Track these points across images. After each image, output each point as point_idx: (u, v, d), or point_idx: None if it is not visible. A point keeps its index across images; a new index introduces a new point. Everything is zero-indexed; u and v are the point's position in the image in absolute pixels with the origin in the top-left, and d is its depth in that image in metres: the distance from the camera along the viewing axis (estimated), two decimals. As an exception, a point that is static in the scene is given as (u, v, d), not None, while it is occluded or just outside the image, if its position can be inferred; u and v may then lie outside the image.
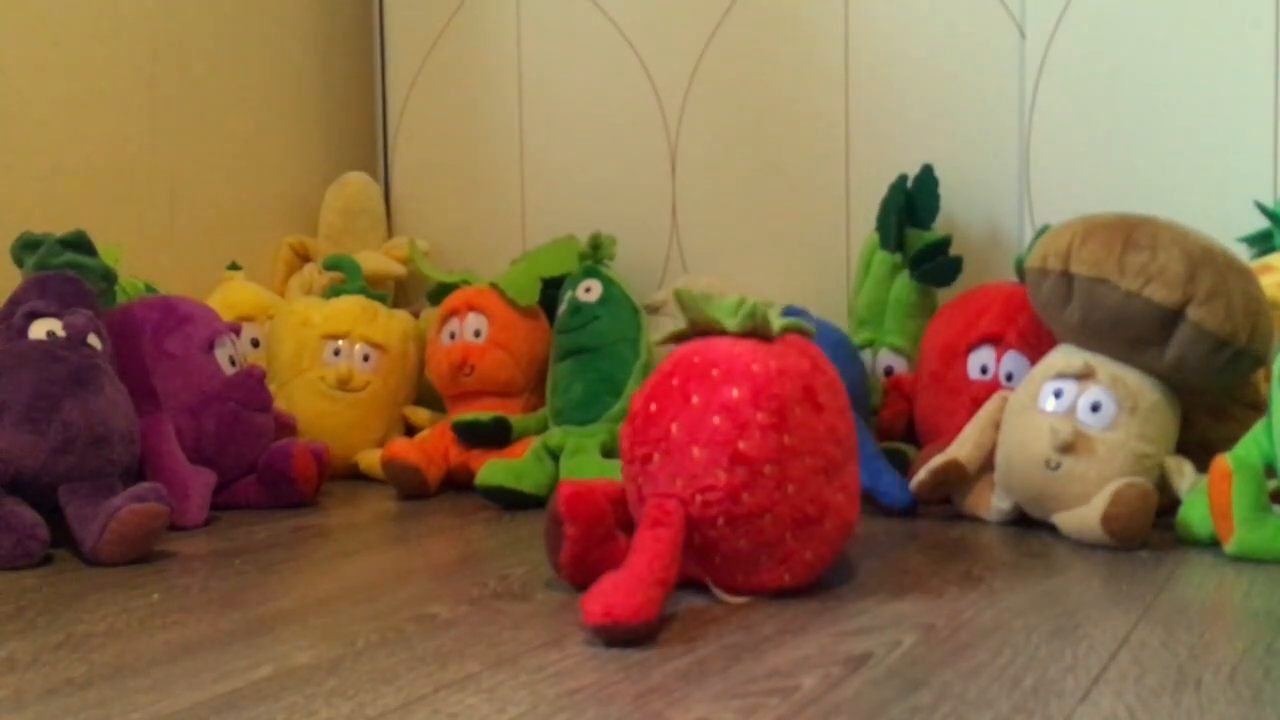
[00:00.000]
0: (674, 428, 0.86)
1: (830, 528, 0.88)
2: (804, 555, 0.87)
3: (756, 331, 0.89)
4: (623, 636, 0.76)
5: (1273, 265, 1.17)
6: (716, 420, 0.84)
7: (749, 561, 0.86)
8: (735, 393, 0.85)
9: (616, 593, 0.77)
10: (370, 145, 1.82)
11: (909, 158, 1.41)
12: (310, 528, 1.18)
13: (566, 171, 1.66)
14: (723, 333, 0.90)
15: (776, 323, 0.90)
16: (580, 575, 0.86)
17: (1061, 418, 1.07)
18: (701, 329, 0.91)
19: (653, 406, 0.88)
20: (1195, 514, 1.02)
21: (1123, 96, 1.34)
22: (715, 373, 0.86)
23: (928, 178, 1.37)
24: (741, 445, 0.84)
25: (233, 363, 1.28)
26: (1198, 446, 1.09)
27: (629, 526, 0.89)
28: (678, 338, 0.93)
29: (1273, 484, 1.00)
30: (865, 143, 1.48)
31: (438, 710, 0.65)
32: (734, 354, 0.87)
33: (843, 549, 0.92)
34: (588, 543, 0.86)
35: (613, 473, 1.20)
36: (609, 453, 1.26)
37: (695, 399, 0.86)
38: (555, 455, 1.27)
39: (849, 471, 0.90)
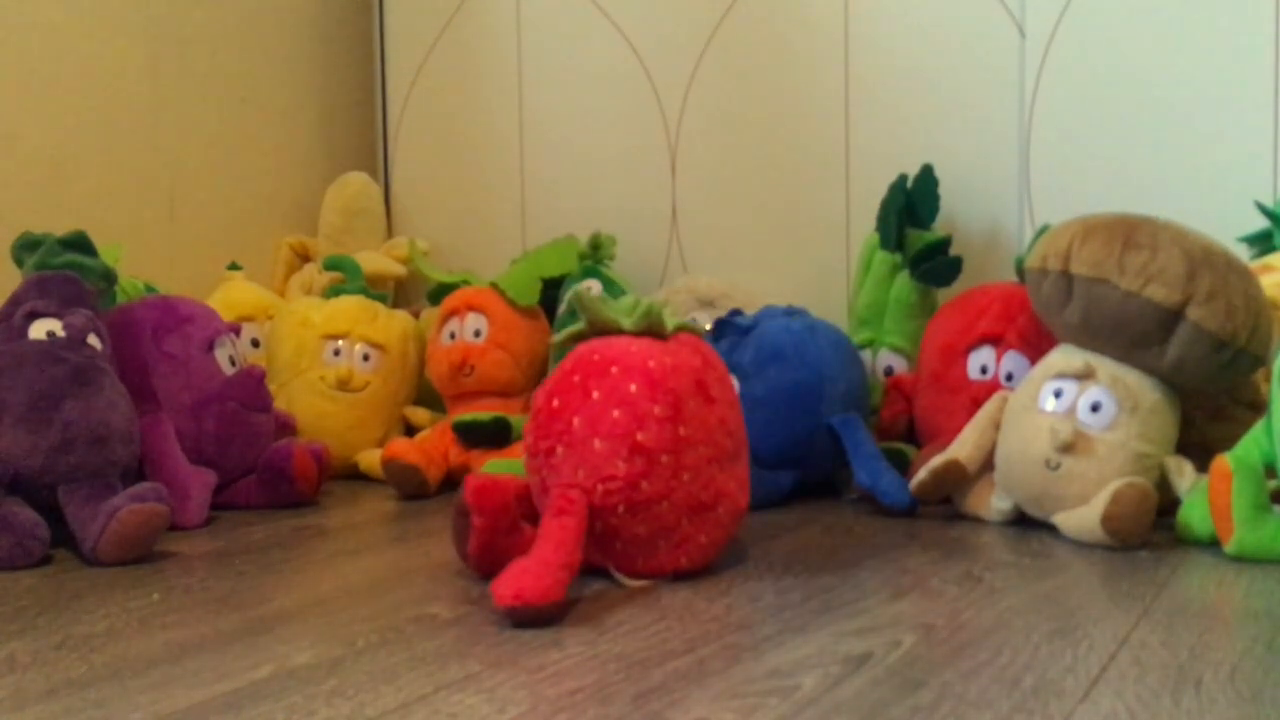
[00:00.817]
0: (576, 422, 0.90)
1: (723, 513, 0.94)
2: (699, 539, 0.93)
3: (651, 330, 0.96)
4: (531, 617, 0.81)
5: (1273, 265, 1.17)
6: (616, 414, 0.90)
7: (648, 546, 0.91)
8: (633, 388, 0.90)
9: (525, 577, 0.81)
10: (370, 145, 1.82)
11: (909, 158, 1.40)
12: (310, 528, 1.18)
13: (566, 171, 1.66)
14: (620, 332, 0.96)
15: (670, 322, 0.96)
16: (487, 565, 0.90)
17: (1061, 418, 1.07)
18: (600, 329, 0.96)
19: (555, 402, 0.92)
20: (1195, 514, 1.02)
21: (1123, 96, 1.34)
22: (614, 370, 0.91)
23: (928, 178, 1.37)
24: (640, 437, 0.89)
25: (233, 363, 1.28)
26: (1198, 446, 1.09)
27: (534, 518, 0.93)
28: (577, 337, 0.98)
29: (1273, 484, 1.00)
30: (865, 143, 1.48)
31: (438, 710, 0.65)
32: (631, 352, 0.92)
33: (735, 533, 0.98)
34: (494, 533, 0.90)
35: None
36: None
37: (596, 394, 0.91)
38: (555, 455, 1.27)
39: (740, 462, 0.97)
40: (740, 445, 0.97)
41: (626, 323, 0.96)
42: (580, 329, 0.98)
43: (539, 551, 0.84)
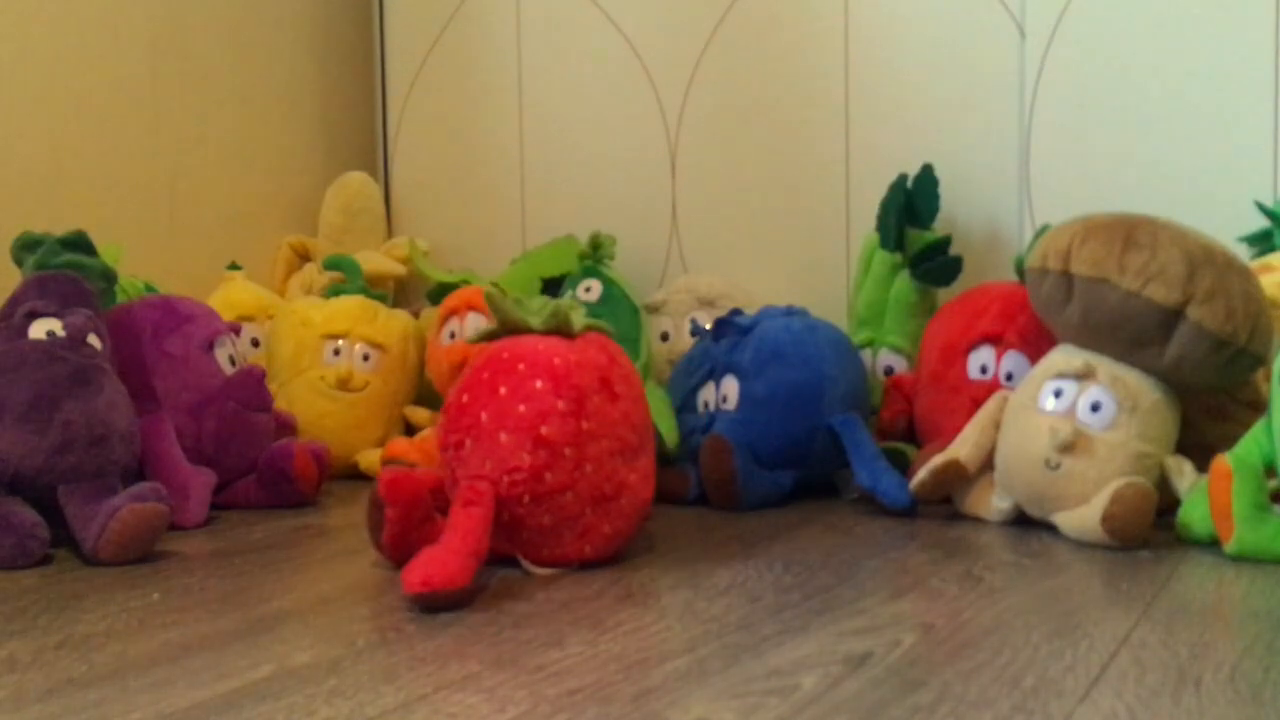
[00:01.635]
0: (484, 416, 0.95)
1: (626, 505, 0.98)
2: (603, 529, 0.97)
3: (560, 330, 1.00)
4: (439, 603, 0.85)
5: (1273, 265, 1.17)
6: (522, 408, 0.94)
7: (553, 535, 0.95)
8: (539, 384, 0.95)
9: (433, 564, 0.85)
10: (370, 145, 1.82)
11: (909, 157, 1.40)
12: (310, 528, 1.18)
13: (566, 171, 1.66)
14: (530, 331, 1.00)
15: (578, 322, 1.01)
16: (400, 554, 0.94)
17: (1061, 417, 1.07)
18: (511, 328, 1.01)
19: (465, 398, 0.97)
20: (1195, 514, 1.02)
21: (1123, 96, 1.34)
22: (521, 366, 0.96)
23: (928, 177, 1.37)
24: (543, 430, 0.94)
25: (233, 362, 1.28)
26: (1197, 446, 1.09)
27: (447, 509, 0.96)
28: (489, 336, 1.02)
29: (1273, 484, 1.00)
30: (865, 142, 1.48)
31: (438, 710, 0.65)
32: (538, 349, 0.97)
33: (640, 525, 1.02)
34: (406, 524, 0.94)
35: None
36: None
37: (503, 390, 0.95)
38: (555, 455, 1.27)
39: (645, 455, 1.01)
40: (645, 439, 1.01)
41: (535, 322, 1.00)
42: (493, 329, 1.02)
43: (447, 540, 0.88)
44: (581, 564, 0.97)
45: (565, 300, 1.02)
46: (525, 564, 0.96)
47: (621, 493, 0.97)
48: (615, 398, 0.98)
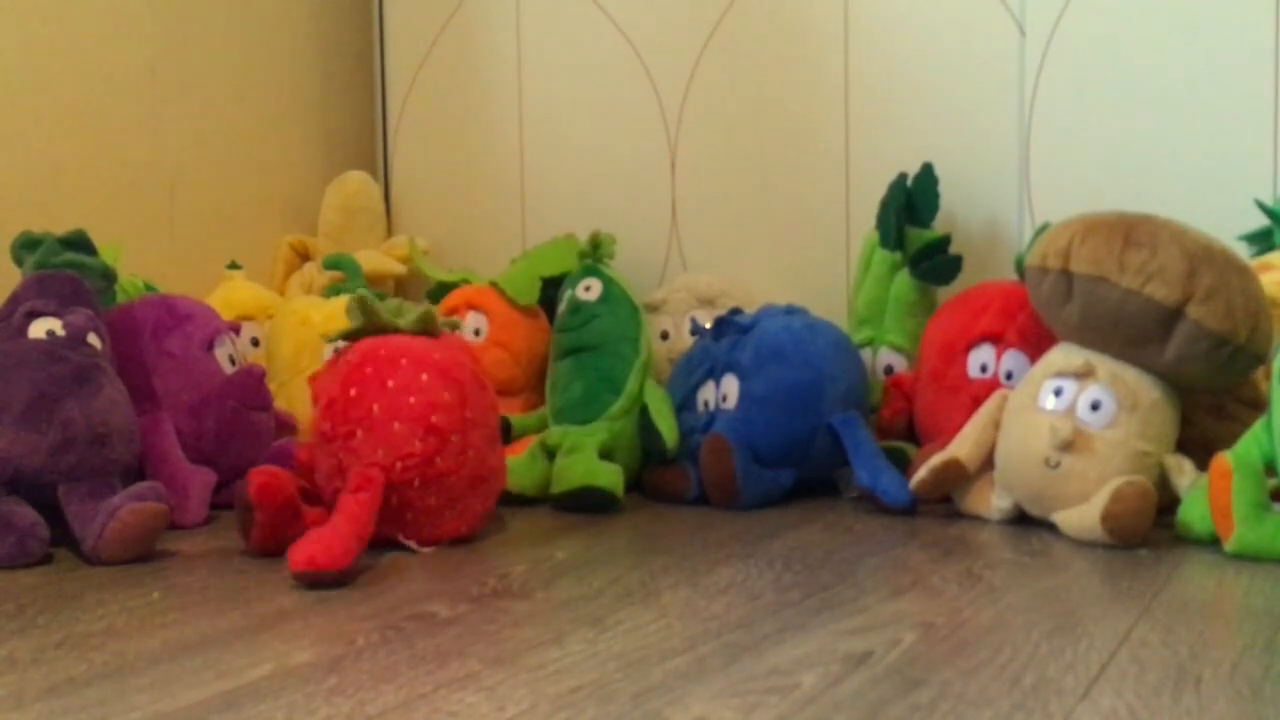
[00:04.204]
0: (375, 408, 1.03)
1: (494, 485, 1.10)
2: (476, 508, 1.07)
3: (426, 331, 1.10)
4: (322, 580, 0.91)
5: (1273, 263, 1.17)
6: (412, 400, 1.03)
7: (436, 515, 1.04)
8: (424, 377, 1.04)
9: (318, 545, 0.92)
10: (370, 144, 1.82)
11: (909, 156, 1.40)
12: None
13: (566, 171, 1.66)
14: (397, 330, 1.09)
15: (441, 324, 1.12)
16: (269, 550, 1.01)
17: (1061, 416, 1.07)
18: (378, 328, 1.09)
19: (353, 392, 1.04)
20: (1195, 512, 1.02)
21: (1123, 95, 1.34)
22: (404, 361, 1.05)
23: (927, 176, 1.36)
24: (434, 419, 1.03)
25: (232, 362, 1.28)
26: (1197, 445, 1.09)
27: (314, 499, 1.06)
28: (352, 335, 1.10)
29: (1273, 482, 1.00)
30: (865, 141, 1.48)
31: (438, 708, 0.65)
32: (414, 347, 1.07)
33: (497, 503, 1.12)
34: (276, 525, 1.01)
35: (604, 474, 1.20)
36: (607, 452, 1.25)
37: (391, 383, 1.04)
38: (553, 454, 1.27)
39: (500, 440, 1.13)
40: (499, 428, 1.13)
41: (404, 323, 1.10)
42: (356, 327, 1.10)
43: (334, 523, 0.95)
44: (455, 540, 1.06)
45: (427, 306, 1.12)
46: (408, 543, 1.04)
47: (492, 475, 1.09)
48: (484, 389, 1.09)
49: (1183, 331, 1.03)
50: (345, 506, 0.97)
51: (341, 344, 1.12)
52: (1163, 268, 1.03)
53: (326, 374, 1.08)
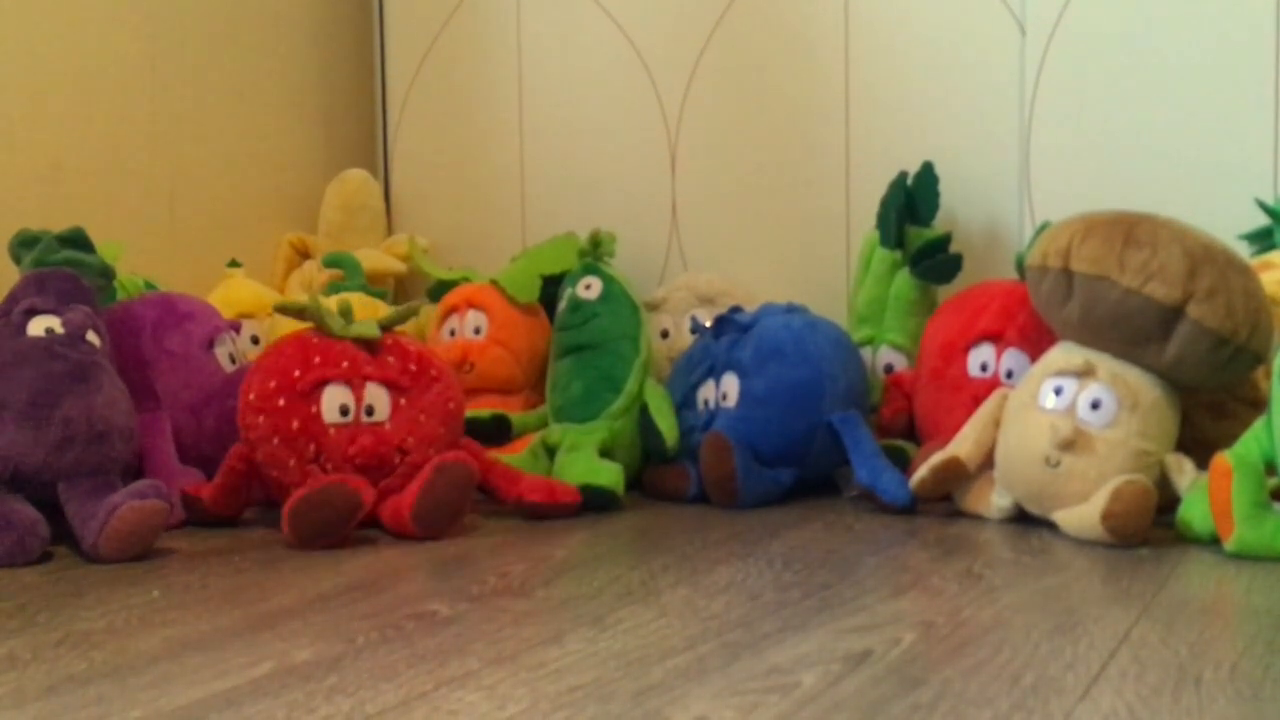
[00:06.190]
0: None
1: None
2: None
3: (367, 344, 1.16)
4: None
5: (1273, 262, 1.17)
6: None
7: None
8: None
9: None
10: (370, 142, 1.82)
11: (909, 155, 1.40)
12: (310, 525, 1.17)
13: (566, 169, 1.66)
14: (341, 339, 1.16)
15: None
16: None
17: (1061, 415, 1.07)
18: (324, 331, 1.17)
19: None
20: (1195, 512, 1.02)
21: (1123, 94, 1.34)
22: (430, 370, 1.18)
23: (928, 175, 1.36)
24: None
25: (232, 360, 1.28)
26: (1198, 444, 1.09)
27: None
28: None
29: (1273, 482, 1.00)
30: (865, 140, 1.48)
31: (438, 707, 0.65)
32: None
33: None
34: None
35: (604, 472, 1.20)
36: (607, 451, 1.25)
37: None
38: (553, 452, 1.27)
39: None
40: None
41: (346, 333, 1.16)
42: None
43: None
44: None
45: (377, 321, 1.19)
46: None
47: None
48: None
49: (1183, 331, 1.03)
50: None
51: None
52: (1163, 267, 1.03)
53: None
